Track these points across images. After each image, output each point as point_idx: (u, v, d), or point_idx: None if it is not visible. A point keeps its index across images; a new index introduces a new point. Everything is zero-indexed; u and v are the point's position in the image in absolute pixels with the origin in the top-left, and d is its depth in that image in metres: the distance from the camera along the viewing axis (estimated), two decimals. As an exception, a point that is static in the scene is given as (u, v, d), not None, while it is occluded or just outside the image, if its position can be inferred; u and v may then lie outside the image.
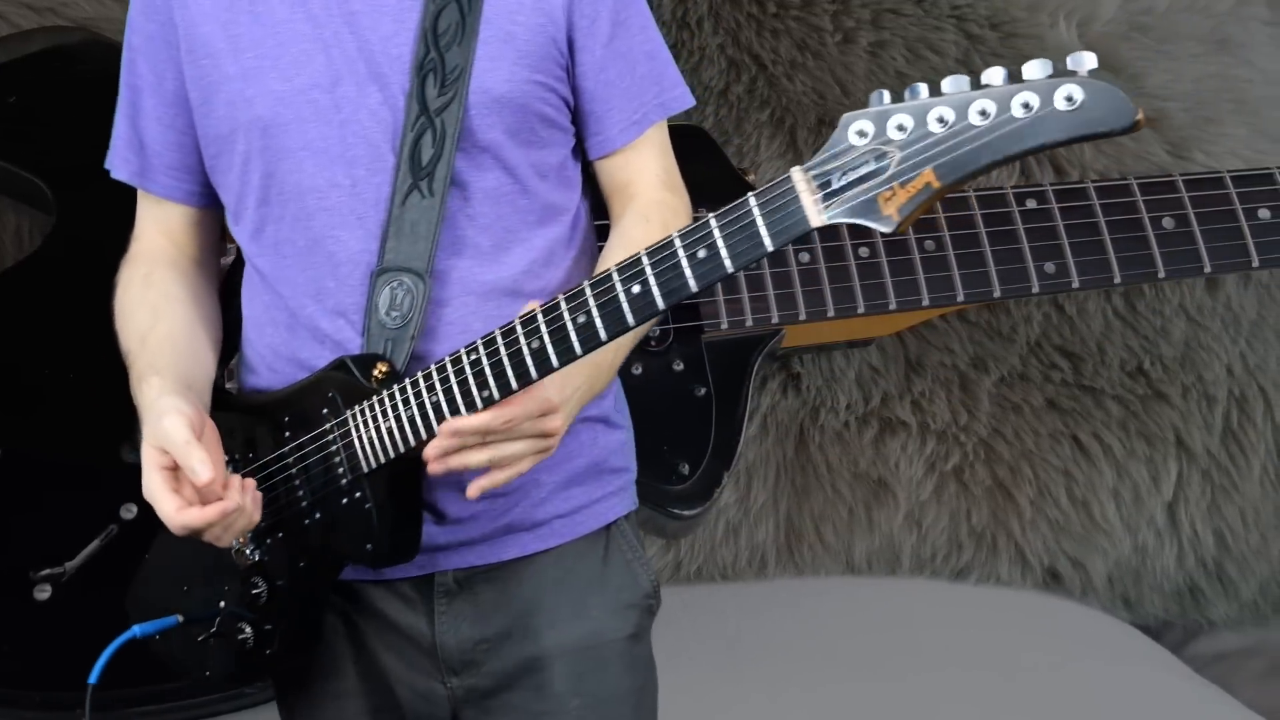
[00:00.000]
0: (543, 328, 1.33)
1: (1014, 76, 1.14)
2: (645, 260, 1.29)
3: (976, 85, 1.16)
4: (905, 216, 1.18)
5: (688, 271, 1.27)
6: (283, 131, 1.48)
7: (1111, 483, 2.44)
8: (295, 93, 1.48)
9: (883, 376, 2.47)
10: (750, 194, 1.24)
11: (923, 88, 1.18)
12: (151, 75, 1.56)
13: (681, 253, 1.27)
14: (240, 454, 1.51)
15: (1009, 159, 1.14)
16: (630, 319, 1.31)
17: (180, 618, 1.48)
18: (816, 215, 1.21)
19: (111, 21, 2.37)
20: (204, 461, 1.37)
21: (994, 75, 1.15)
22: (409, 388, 1.41)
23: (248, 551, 1.50)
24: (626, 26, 1.55)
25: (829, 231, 2.11)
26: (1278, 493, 2.48)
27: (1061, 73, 1.13)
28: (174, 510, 1.38)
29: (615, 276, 1.30)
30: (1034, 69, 1.14)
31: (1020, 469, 2.42)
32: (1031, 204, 2.22)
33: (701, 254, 1.26)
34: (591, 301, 1.32)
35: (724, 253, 1.26)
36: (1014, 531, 2.42)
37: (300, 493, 1.49)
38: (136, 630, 1.46)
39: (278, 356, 1.52)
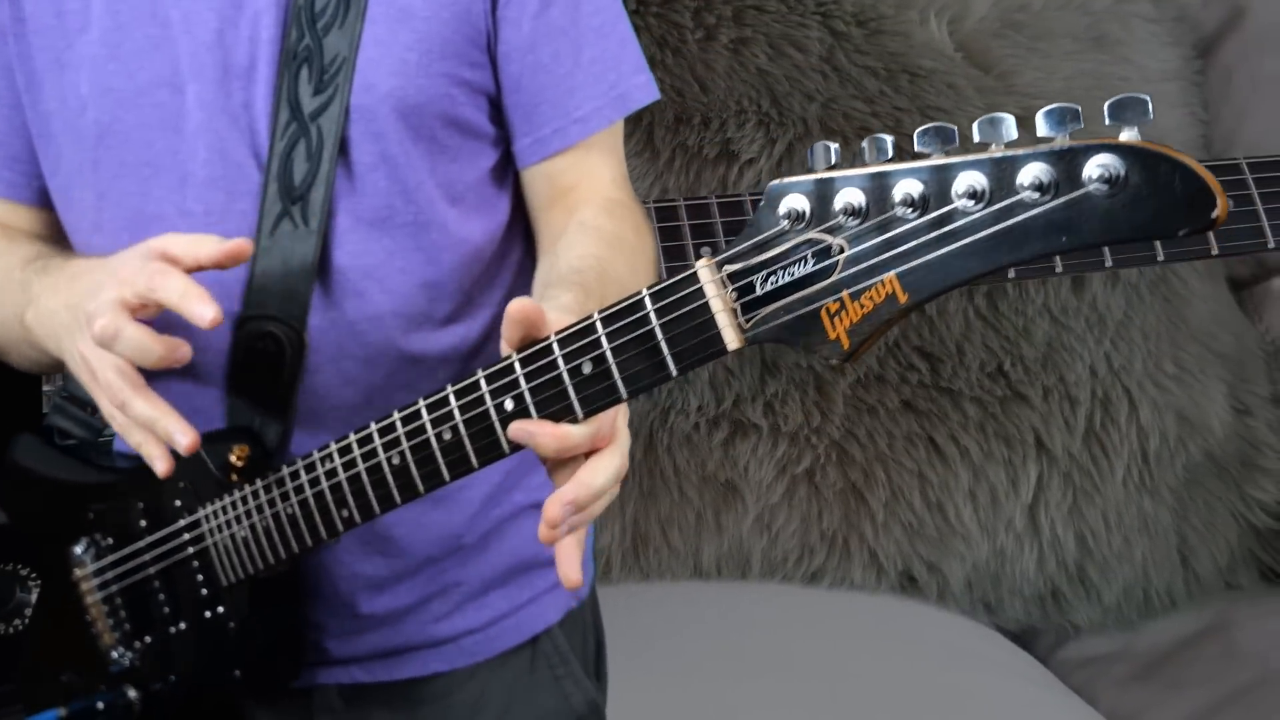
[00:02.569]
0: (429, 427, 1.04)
1: (1027, 130, 0.77)
2: (518, 367, 0.96)
3: (968, 141, 0.79)
4: (859, 342, 0.83)
5: (570, 391, 0.94)
6: (122, 143, 1.17)
7: (968, 485, 2.41)
8: (137, 92, 1.17)
9: (737, 378, 2.44)
10: (644, 290, 0.91)
11: (887, 142, 0.82)
12: None
13: (562, 363, 0.94)
14: (95, 537, 1.25)
15: (1011, 265, 0.77)
16: (504, 445, 1.00)
17: (61, 712, 1.24)
18: (734, 336, 0.88)
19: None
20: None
21: (997, 127, 0.78)
22: (274, 486, 1.12)
23: (115, 654, 1.25)
24: None
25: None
26: (1141, 495, 2.45)
27: (1101, 137, 0.75)
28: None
29: (518, 367, 0.97)
30: (1052, 122, 0.77)
31: (873, 471, 2.39)
32: None
33: (587, 369, 0.93)
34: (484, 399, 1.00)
35: (615, 372, 0.92)
36: (867, 535, 2.39)
37: (161, 596, 1.22)
38: None
39: None
